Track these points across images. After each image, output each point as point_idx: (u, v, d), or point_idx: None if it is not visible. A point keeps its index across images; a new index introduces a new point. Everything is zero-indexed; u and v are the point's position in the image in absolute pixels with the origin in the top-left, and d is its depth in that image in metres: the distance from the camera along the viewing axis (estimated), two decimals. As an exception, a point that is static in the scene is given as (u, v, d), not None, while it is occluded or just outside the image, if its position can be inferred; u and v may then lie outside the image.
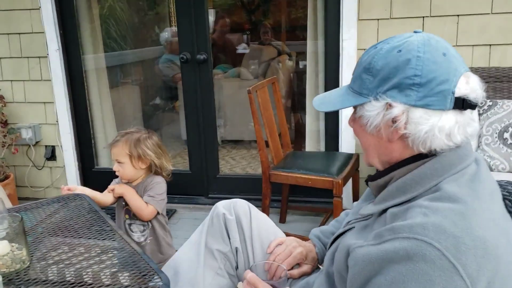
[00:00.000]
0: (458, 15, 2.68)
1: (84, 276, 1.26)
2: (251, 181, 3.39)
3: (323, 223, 2.78)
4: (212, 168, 3.41)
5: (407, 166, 0.99)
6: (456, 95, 0.92)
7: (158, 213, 2.01)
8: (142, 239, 2.03)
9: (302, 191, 3.01)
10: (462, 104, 0.92)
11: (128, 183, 2.04)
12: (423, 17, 2.73)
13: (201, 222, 2.99)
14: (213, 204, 3.24)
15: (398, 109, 0.94)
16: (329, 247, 1.19)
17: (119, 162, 1.99)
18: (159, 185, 2.02)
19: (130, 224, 2.05)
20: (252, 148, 4.67)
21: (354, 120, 1.05)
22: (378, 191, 1.06)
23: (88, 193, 1.89)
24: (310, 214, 3.11)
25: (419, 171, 0.97)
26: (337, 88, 1.11)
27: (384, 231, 0.90)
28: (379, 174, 1.06)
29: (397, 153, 1.01)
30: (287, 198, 2.97)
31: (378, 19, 2.78)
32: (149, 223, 2.03)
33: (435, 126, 0.93)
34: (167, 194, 2.83)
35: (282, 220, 3.00)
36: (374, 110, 0.97)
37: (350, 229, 1.15)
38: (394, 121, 0.95)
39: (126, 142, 1.99)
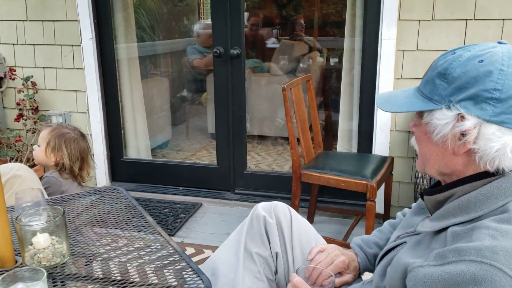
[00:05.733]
0: (503, 19, 2.59)
1: (125, 274, 1.24)
2: (278, 179, 3.36)
3: (353, 226, 2.74)
4: (239, 164, 3.38)
5: (471, 183, 0.94)
6: None
7: None
8: None
9: (332, 192, 2.96)
10: None
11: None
12: (467, 20, 2.64)
13: (226, 217, 3.05)
14: (239, 200, 3.30)
15: (470, 122, 0.89)
16: (379, 261, 1.15)
17: (38, 145, 2.09)
18: (44, 178, 2.05)
19: None
20: (278, 144, 4.62)
21: (418, 126, 1.00)
22: (436, 207, 1.02)
23: None
24: (338, 215, 3.06)
25: (485, 190, 0.92)
26: (404, 89, 1.06)
27: (448, 252, 0.85)
28: (438, 189, 1.01)
29: (460, 167, 0.96)
30: (316, 198, 2.93)
31: (419, 20, 2.70)
32: None
33: (508, 146, 0.88)
34: (193, 187, 2.71)
35: (310, 220, 2.96)
36: (444, 119, 0.92)
37: (401, 243, 1.10)
38: (463, 134, 0.91)
39: (53, 130, 2.07)
